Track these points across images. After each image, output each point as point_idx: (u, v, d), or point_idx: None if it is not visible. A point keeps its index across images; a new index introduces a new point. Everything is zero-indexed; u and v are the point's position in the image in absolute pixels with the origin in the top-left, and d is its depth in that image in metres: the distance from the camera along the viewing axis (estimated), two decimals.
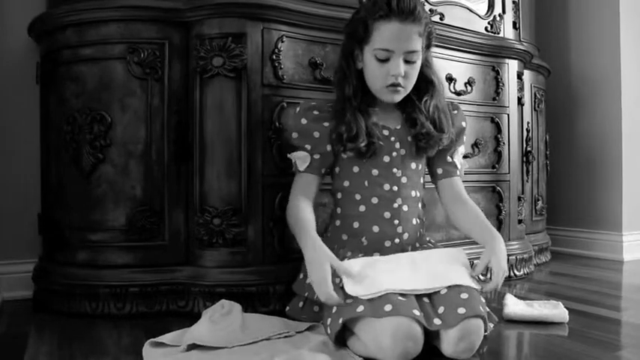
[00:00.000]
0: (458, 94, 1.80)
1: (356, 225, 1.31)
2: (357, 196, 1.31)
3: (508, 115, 1.96)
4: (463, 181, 1.43)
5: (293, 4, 1.46)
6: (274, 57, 1.44)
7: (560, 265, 2.22)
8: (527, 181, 2.14)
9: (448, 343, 1.04)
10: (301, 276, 1.31)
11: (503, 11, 1.96)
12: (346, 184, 1.33)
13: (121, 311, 1.38)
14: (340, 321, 1.06)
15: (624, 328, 1.32)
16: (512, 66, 1.97)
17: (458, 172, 1.41)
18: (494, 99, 1.92)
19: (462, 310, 1.05)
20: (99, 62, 1.43)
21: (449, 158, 1.40)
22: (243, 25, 1.41)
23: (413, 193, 1.34)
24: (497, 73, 1.92)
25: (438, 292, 1.12)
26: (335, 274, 1.12)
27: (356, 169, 1.31)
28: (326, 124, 1.30)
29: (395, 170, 1.31)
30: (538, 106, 2.27)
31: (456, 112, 1.41)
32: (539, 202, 2.29)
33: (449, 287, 1.12)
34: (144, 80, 1.42)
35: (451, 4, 1.83)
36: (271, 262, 1.44)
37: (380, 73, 1.26)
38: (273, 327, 1.20)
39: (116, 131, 1.42)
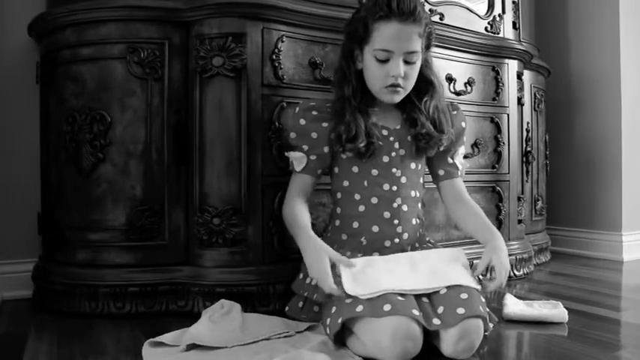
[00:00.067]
0: (458, 94, 1.81)
1: (355, 225, 1.31)
2: (357, 196, 1.31)
3: (508, 115, 1.96)
4: (463, 181, 1.43)
5: (293, 4, 1.46)
6: (274, 57, 1.44)
7: (560, 265, 2.22)
8: (526, 181, 2.14)
9: (448, 342, 1.04)
10: (301, 276, 1.32)
11: (503, 11, 1.97)
12: (346, 184, 1.33)
13: (121, 311, 1.38)
14: (339, 321, 1.06)
15: (624, 328, 1.32)
16: (512, 66, 1.97)
17: (459, 173, 1.41)
18: (494, 99, 1.92)
19: (461, 310, 1.05)
20: (98, 62, 1.43)
21: (450, 160, 1.40)
22: (243, 24, 1.41)
23: (412, 193, 1.34)
24: (497, 73, 1.92)
25: (438, 292, 1.12)
26: (334, 273, 1.12)
27: (355, 169, 1.31)
28: (325, 124, 1.31)
29: (394, 170, 1.31)
30: (538, 107, 2.28)
31: (455, 112, 1.41)
32: (539, 202, 2.29)
33: (448, 287, 1.12)
34: (144, 80, 1.42)
35: (451, 4, 1.83)
36: (271, 261, 1.44)
37: (380, 73, 1.26)
38: (272, 327, 1.20)
39: (116, 131, 1.42)
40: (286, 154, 1.36)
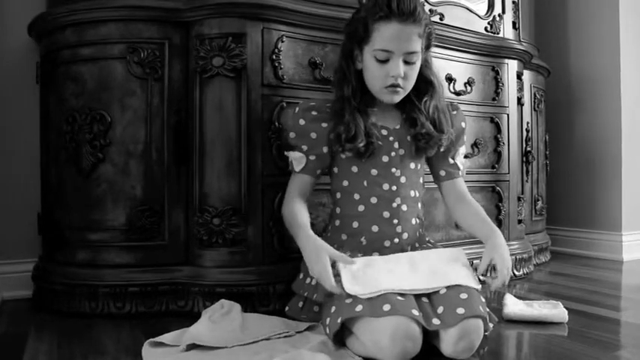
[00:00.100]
0: (457, 94, 1.81)
1: (355, 225, 1.31)
2: (356, 196, 1.31)
3: (508, 115, 1.96)
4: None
5: (293, 4, 1.46)
6: (274, 57, 1.44)
7: (560, 265, 2.22)
8: (526, 181, 2.14)
9: (447, 342, 1.04)
10: (301, 276, 1.32)
11: (503, 11, 1.97)
12: (345, 183, 1.33)
13: (121, 311, 1.38)
14: (339, 320, 1.06)
15: (623, 328, 1.32)
16: (511, 66, 1.97)
17: (460, 173, 1.42)
18: (493, 99, 1.92)
19: (461, 311, 1.05)
20: (98, 62, 1.43)
21: (451, 160, 1.40)
22: (243, 25, 1.41)
23: (412, 193, 1.34)
24: (497, 73, 1.92)
25: (438, 292, 1.12)
26: (334, 272, 1.13)
27: (355, 168, 1.31)
28: (324, 124, 1.31)
29: (394, 170, 1.31)
30: (538, 106, 2.28)
31: (455, 112, 1.41)
32: (539, 202, 2.29)
33: (448, 287, 1.12)
34: (144, 80, 1.42)
35: (451, 5, 1.83)
36: (271, 261, 1.44)
37: (379, 73, 1.26)
38: (272, 327, 1.20)
39: (116, 131, 1.42)
40: (286, 153, 1.36)
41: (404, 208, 1.32)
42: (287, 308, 1.33)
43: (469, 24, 1.85)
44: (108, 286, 1.39)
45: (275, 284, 1.41)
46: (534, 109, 2.25)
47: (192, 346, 1.09)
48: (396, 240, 1.31)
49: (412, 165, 1.35)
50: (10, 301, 1.57)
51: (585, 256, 2.44)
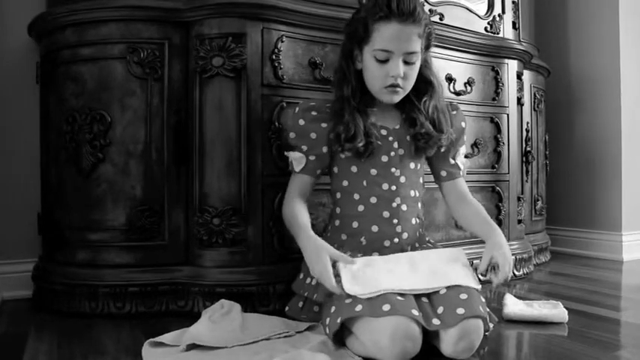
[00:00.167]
0: (457, 94, 1.81)
1: (355, 225, 1.31)
2: (356, 196, 1.31)
3: (508, 115, 1.96)
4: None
5: (293, 4, 1.46)
6: (274, 57, 1.44)
7: (560, 265, 2.22)
8: (526, 181, 2.14)
9: (447, 342, 1.04)
10: (301, 276, 1.32)
11: (503, 11, 1.97)
12: (345, 183, 1.33)
13: (121, 311, 1.38)
14: (339, 320, 1.06)
15: (623, 328, 1.32)
16: (511, 66, 1.97)
17: (461, 174, 1.42)
18: (493, 99, 1.92)
19: (461, 311, 1.05)
20: (98, 62, 1.43)
21: (451, 160, 1.41)
22: (243, 25, 1.41)
23: (412, 193, 1.34)
24: (497, 73, 1.92)
25: (438, 292, 1.12)
26: (334, 272, 1.13)
27: (354, 168, 1.32)
28: (324, 124, 1.31)
29: (393, 170, 1.31)
30: (537, 106, 2.28)
31: (455, 112, 1.41)
32: (539, 202, 2.29)
33: (448, 287, 1.12)
34: (144, 80, 1.42)
35: (451, 5, 1.83)
36: (271, 261, 1.44)
37: (379, 73, 1.26)
38: (272, 327, 1.20)
39: (116, 131, 1.42)
40: (286, 154, 1.36)
41: (404, 207, 1.32)
42: (287, 308, 1.33)
43: (469, 24, 1.86)
44: (108, 286, 1.39)
45: (275, 284, 1.41)
46: (534, 109, 2.25)
47: (192, 346, 1.09)
48: (396, 240, 1.31)
49: (412, 165, 1.35)
50: (10, 301, 1.57)
51: (585, 256, 2.44)
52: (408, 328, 1.01)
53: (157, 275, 1.41)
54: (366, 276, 1.13)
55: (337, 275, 1.12)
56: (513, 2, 2.01)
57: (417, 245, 1.34)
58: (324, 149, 1.32)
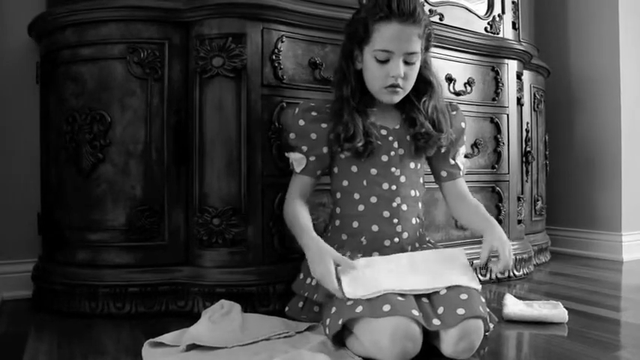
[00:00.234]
0: (457, 94, 1.81)
1: (355, 224, 1.31)
2: (356, 196, 1.31)
3: (507, 115, 1.96)
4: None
5: (293, 4, 1.46)
6: (274, 57, 1.44)
7: (560, 265, 2.22)
8: (526, 181, 2.14)
9: (448, 343, 1.04)
10: (301, 276, 1.32)
11: (503, 11, 1.97)
12: (345, 183, 1.33)
13: (121, 311, 1.38)
14: (340, 322, 1.06)
15: (623, 328, 1.32)
16: (511, 66, 1.97)
17: (461, 174, 1.42)
18: (493, 99, 1.92)
19: (461, 311, 1.05)
20: (99, 62, 1.43)
21: (451, 161, 1.41)
22: (243, 25, 1.41)
23: (412, 193, 1.34)
24: (497, 73, 1.92)
25: (438, 292, 1.12)
26: (336, 275, 1.13)
27: (354, 168, 1.32)
28: (324, 125, 1.31)
29: (393, 169, 1.31)
30: (537, 107, 2.28)
31: (455, 112, 1.41)
32: (539, 203, 2.29)
33: (448, 288, 1.12)
34: (144, 80, 1.42)
35: (451, 5, 1.83)
36: (271, 262, 1.44)
37: (379, 74, 1.26)
38: (272, 327, 1.20)
39: (116, 131, 1.42)
40: (286, 154, 1.36)
41: (404, 207, 1.32)
42: (287, 308, 1.33)
43: (469, 24, 1.86)
44: (108, 286, 1.39)
45: (275, 284, 1.41)
46: (534, 110, 2.25)
47: (192, 347, 1.09)
48: (396, 239, 1.31)
49: (412, 165, 1.35)
50: (10, 301, 1.57)
51: (585, 256, 2.44)
52: (409, 329, 1.01)
53: (156, 275, 1.41)
54: (365, 277, 1.13)
55: (338, 279, 1.12)
56: (513, 2, 2.01)
57: (417, 245, 1.34)
58: (325, 149, 1.32)
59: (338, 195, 1.35)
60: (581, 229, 2.51)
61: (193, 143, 1.42)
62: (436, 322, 1.05)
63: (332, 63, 1.48)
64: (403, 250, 1.31)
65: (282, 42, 1.46)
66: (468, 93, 1.84)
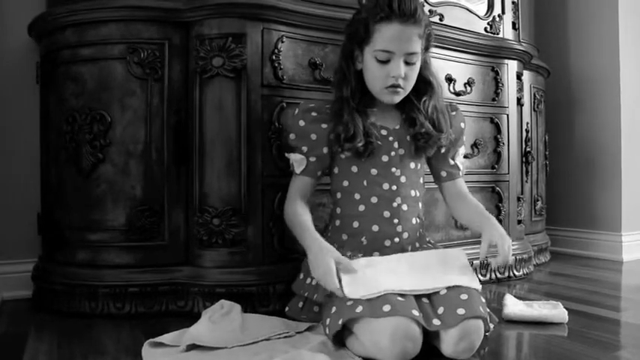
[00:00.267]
0: (457, 94, 1.81)
1: (356, 224, 1.31)
2: (357, 196, 1.31)
3: (507, 115, 1.96)
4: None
5: (293, 4, 1.46)
6: (274, 57, 1.44)
7: (560, 265, 2.22)
8: (526, 181, 2.14)
9: (448, 343, 1.04)
10: (301, 276, 1.32)
11: (503, 12, 1.97)
12: (345, 184, 1.33)
13: (121, 311, 1.38)
14: (340, 322, 1.06)
15: (623, 329, 1.32)
16: (511, 66, 1.97)
17: (460, 174, 1.42)
18: (493, 99, 1.92)
19: (461, 311, 1.05)
20: (99, 62, 1.43)
21: (451, 161, 1.41)
22: (243, 25, 1.41)
23: (412, 193, 1.34)
24: (497, 73, 1.92)
25: (438, 292, 1.12)
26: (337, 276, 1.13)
27: (355, 168, 1.32)
28: (324, 125, 1.31)
29: (394, 170, 1.31)
30: (537, 107, 2.28)
31: (454, 113, 1.41)
32: (539, 203, 2.29)
33: (448, 288, 1.12)
34: (144, 80, 1.42)
35: (451, 5, 1.83)
36: (271, 262, 1.44)
37: (380, 74, 1.26)
38: (272, 327, 1.20)
39: (116, 131, 1.42)
40: (286, 155, 1.36)
41: (404, 207, 1.32)
42: (287, 308, 1.33)
43: (469, 24, 1.86)
44: (108, 286, 1.39)
45: (275, 284, 1.41)
46: (534, 110, 2.25)
47: (192, 347, 1.09)
48: (397, 239, 1.31)
49: (412, 165, 1.35)
50: (10, 301, 1.57)
51: (585, 256, 2.44)
52: (409, 329, 1.01)
53: (156, 275, 1.41)
54: (366, 277, 1.13)
55: (338, 278, 1.12)
56: (513, 2, 2.01)
57: (417, 245, 1.34)
58: (325, 150, 1.32)
59: (338, 195, 1.35)
60: (581, 229, 2.51)
61: (193, 143, 1.42)
62: (436, 322, 1.05)
63: (332, 63, 1.48)
64: (403, 250, 1.31)
65: (282, 42, 1.46)
66: (468, 93, 1.84)
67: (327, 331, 1.11)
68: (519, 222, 2.02)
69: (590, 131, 2.49)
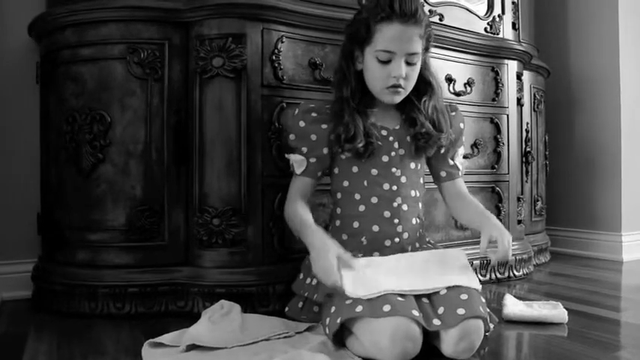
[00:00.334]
0: (457, 94, 1.81)
1: (356, 225, 1.31)
2: (357, 196, 1.31)
3: (507, 115, 1.96)
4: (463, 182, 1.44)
5: (292, 4, 1.46)
6: (274, 57, 1.44)
7: (560, 265, 2.22)
8: (526, 181, 2.14)
9: (448, 343, 1.04)
10: (301, 276, 1.32)
11: (503, 12, 1.97)
12: (345, 184, 1.33)
13: (121, 311, 1.38)
14: (338, 321, 1.06)
15: (623, 329, 1.32)
16: (511, 67, 1.97)
17: (460, 174, 1.42)
18: (493, 100, 1.92)
19: (461, 311, 1.05)
20: (99, 62, 1.43)
21: (450, 161, 1.41)
22: (243, 25, 1.41)
23: (412, 193, 1.34)
24: (497, 73, 1.92)
25: (438, 292, 1.12)
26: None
27: (355, 169, 1.32)
28: (324, 126, 1.31)
29: (394, 170, 1.31)
30: (537, 107, 2.28)
31: (454, 113, 1.42)
32: (539, 203, 2.29)
33: (448, 288, 1.12)
34: (144, 80, 1.42)
35: (450, 5, 1.83)
36: (271, 262, 1.44)
37: (381, 74, 1.26)
38: (272, 327, 1.20)
39: (116, 131, 1.42)
40: (286, 156, 1.36)
41: (404, 207, 1.32)
42: (287, 309, 1.33)
43: (469, 25, 1.86)
44: (107, 286, 1.39)
45: (275, 285, 1.41)
46: (534, 110, 2.25)
47: (192, 347, 1.09)
48: (397, 240, 1.31)
49: (412, 165, 1.35)
50: (10, 301, 1.57)
51: (585, 256, 2.44)
52: (409, 329, 1.01)
53: (156, 276, 1.41)
54: (366, 277, 1.13)
55: (340, 276, 1.12)
56: (513, 3, 2.01)
57: (417, 245, 1.34)
58: (325, 151, 1.32)
59: (338, 195, 1.35)
60: (581, 230, 2.51)
61: (193, 143, 1.42)
62: (436, 322, 1.05)
63: (332, 63, 1.47)
64: (403, 250, 1.31)
65: (282, 42, 1.46)
66: (468, 93, 1.84)
67: (327, 331, 1.11)
68: (519, 222, 2.02)
69: (590, 131, 2.49)
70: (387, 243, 1.30)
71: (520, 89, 2.03)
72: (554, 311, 1.35)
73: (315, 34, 1.51)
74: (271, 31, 1.44)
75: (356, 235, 1.31)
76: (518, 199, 2.01)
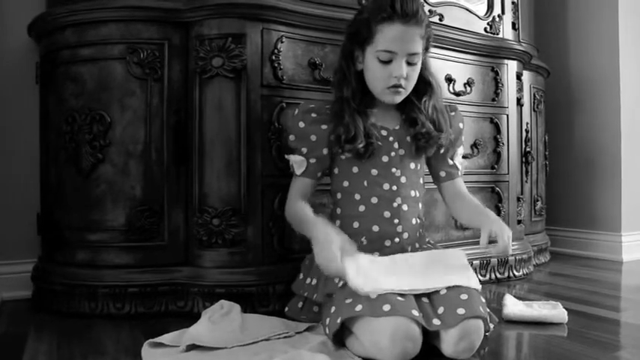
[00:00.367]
0: (457, 94, 1.81)
1: (356, 225, 1.31)
2: (357, 196, 1.31)
3: (507, 115, 1.96)
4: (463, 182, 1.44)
5: (292, 4, 1.46)
6: (274, 57, 1.44)
7: (560, 265, 2.23)
8: (526, 181, 2.15)
9: (448, 343, 1.04)
10: (301, 276, 1.32)
11: (503, 12, 1.97)
12: (346, 184, 1.33)
13: (120, 311, 1.38)
14: (338, 320, 1.06)
15: (623, 329, 1.32)
16: (511, 67, 1.97)
17: (459, 174, 1.43)
18: (493, 100, 1.92)
19: (461, 311, 1.05)
20: (98, 62, 1.43)
21: (450, 161, 1.41)
22: (243, 25, 1.41)
23: (412, 193, 1.34)
24: (497, 73, 1.92)
25: (438, 292, 1.12)
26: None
27: (355, 169, 1.32)
28: (324, 126, 1.31)
29: (394, 170, 1.31)
30: (537, 107, 2.28)
31: (454, 113, 1.42)
32: (539, 203, 2.29)
33: (448, 288, 1.12)
34: (143, 80, 1.42)
35: (450, 5, 1.83)
36: (271, 262, 1.44)
37: (382, 74, 1.26)
38: (272, 327, 1.20)
39: (115, 131, 1.42)
40: (286, 157, 1.36)
41: (404, 207, 1.32)
42: (287, 309, 1.33)
43: (469, 25, 1.86)
44: (107, 286, 1.39)
45: (275, 285, 1.41)
46: (534, 110, 2.25)
47: (192, 347, 1.09)
48: (397, 240, 1.31)
49: (412, 165, 1.35)
50: (10, 301, 1.57)
51: (585, 256, 2.44)
52: (409, 329, 1.01)
53: (156, 276, 1.41)
54: (367, 273, 1.12)
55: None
56: (513, 3, 2.01)
57: (417, 245, 1.34)
58: (325, 151, 1.32)
59: (338, 195, 1.35)
60: (581, 230, 2.51)
61: (193, 143, 1.42)
62: (436, 322, 1.05)
63: (332, 63, 1.47)
64: (403, 250, 1.31)
65: (282, 42, 1.46)
66: (468, 93, 1.84)
67: (327, 331, 1.11)
68: (519, 222, 2.02)
69: (589, 131, 2.49)
70: (387, 243, 1.30)
71: (520, 89, 2.03)
72: (554, 311, 1.35)
73: (315, 34, 1.51)
74: (271, 31, 1.44)
75: (356, 235, 1.31)
76: (518, 199, 2.01)
